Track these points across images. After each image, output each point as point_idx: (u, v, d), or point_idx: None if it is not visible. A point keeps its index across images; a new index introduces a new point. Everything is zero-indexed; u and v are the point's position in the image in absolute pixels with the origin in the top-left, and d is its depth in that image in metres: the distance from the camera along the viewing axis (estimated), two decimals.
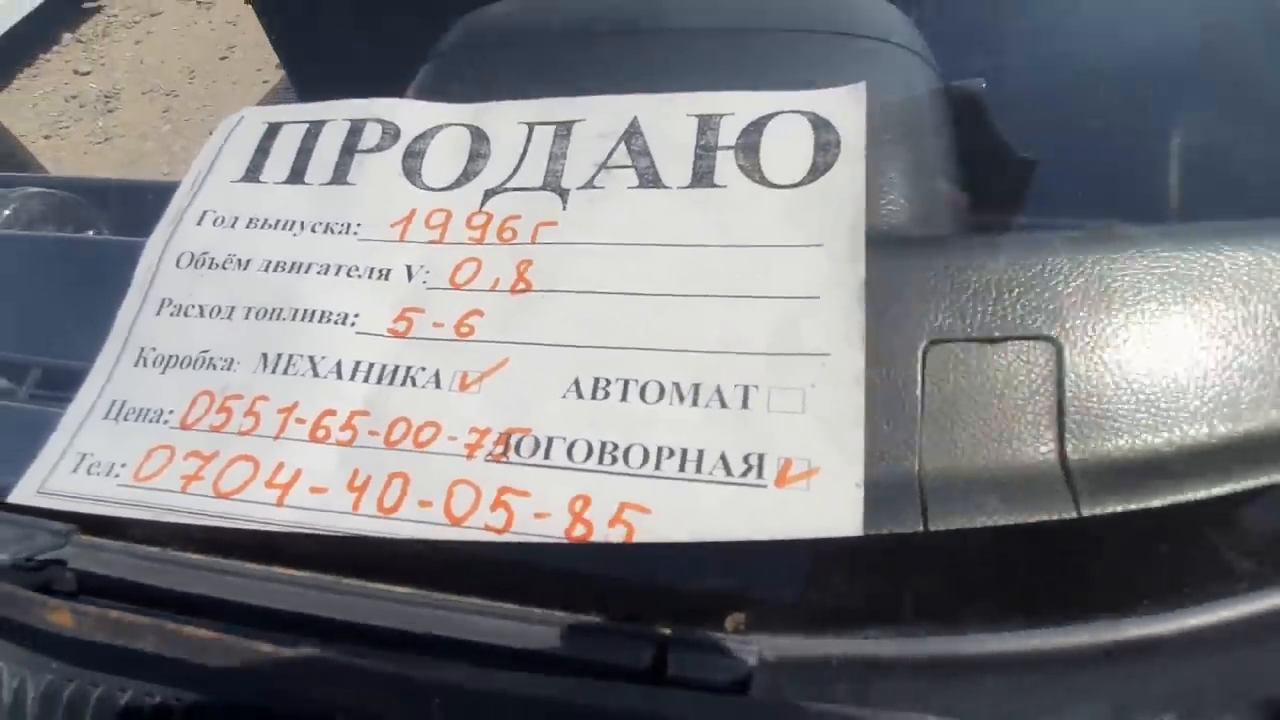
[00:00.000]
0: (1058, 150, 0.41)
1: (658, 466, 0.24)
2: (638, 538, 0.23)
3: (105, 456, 0.28)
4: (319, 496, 0.26)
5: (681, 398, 0.25)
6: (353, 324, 0.29)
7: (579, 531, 0.23)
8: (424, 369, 0.28)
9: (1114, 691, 0.21)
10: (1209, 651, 0.21)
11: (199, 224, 0.34)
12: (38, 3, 2.89)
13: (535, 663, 0.20)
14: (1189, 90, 0.41)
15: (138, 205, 0.37)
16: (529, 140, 0.32)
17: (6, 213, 0.46)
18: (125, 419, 0.29)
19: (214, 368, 0.29)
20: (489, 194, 0.32)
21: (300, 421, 0.27)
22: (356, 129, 0.35)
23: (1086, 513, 0.22)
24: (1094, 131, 0.44)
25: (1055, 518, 0.21)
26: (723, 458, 0.24)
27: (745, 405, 0.25)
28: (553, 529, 0.24)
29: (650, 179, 0.30)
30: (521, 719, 0.19)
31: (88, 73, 2.99)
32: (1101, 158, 0.43)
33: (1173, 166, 0.40)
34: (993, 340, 0.25)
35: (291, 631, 0.21)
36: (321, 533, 0.24)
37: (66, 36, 3.14)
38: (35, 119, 2.68)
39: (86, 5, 3.25)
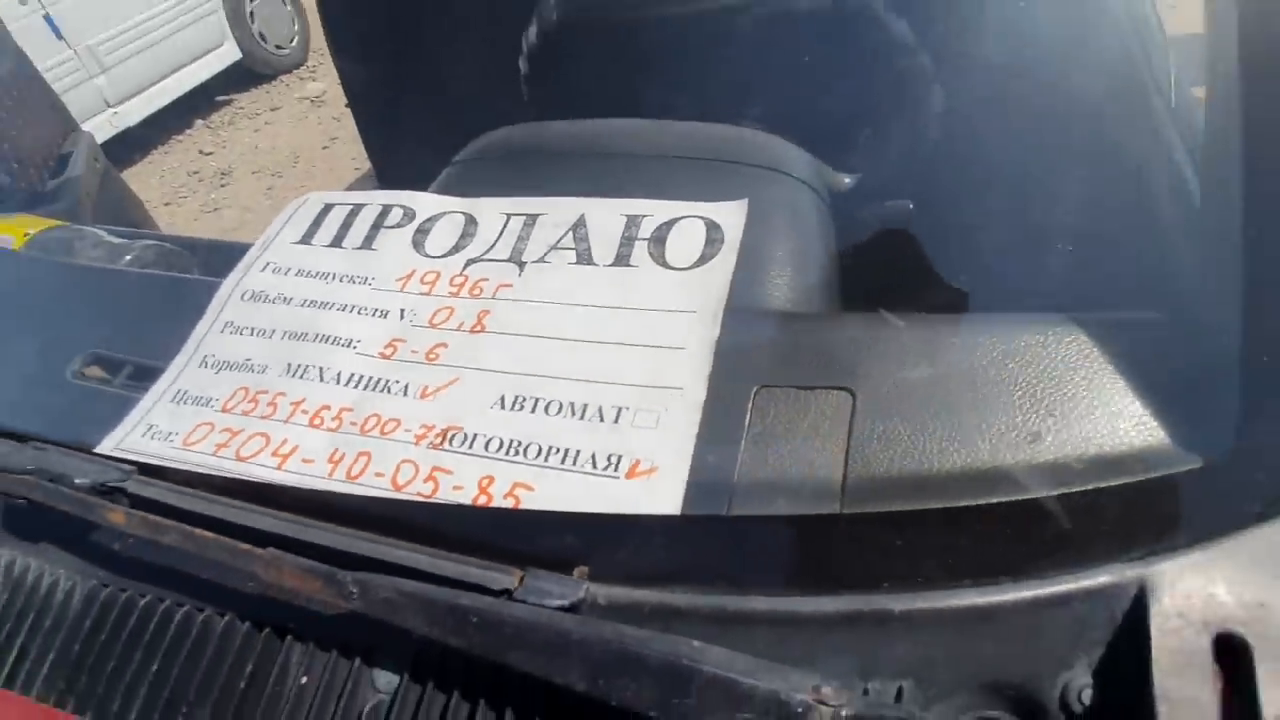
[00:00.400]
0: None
1: (546, 459, 0.33)
2: (523, 505, 0.31)
3: (165, 428, 0.39)
4: (307, 465, 0.35)
5: (573, 413, 0.34)
6: (354, 347, 0.40)
7: (481, 500, 0.32)
8: (398, 381, 0.38)
9: (858, 652, 0.27)
10: (935, 631, 0.27)
11: (261, 271, 0.46)
12: (180, 94, 3.38)
13: (434, 580, 0.28)
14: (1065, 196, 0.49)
15: (224, 256, 0.49)
16: (505, 226, 0.43)
17: (128, 258, 0.60)
18: (184, 404, 0.40)
19: (252, 371, 0.40)
20: (470, 262, 0.42)
21: (304, 412, 0.37)
22: (385, 211, 0.47)
23: (847, 512, 0.29)
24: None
25: (821, 513, 0.29)
26: (592, 456, 0.32)
27: (616, 421, 0.33)
28: (464, 498, 0.32)
29: (585, 258, 0.40)
30: (420, 611, 0.27)
31: (210, 153, 3.42)
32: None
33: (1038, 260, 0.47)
34: (807, 388, 0.33)
35: (271, 545, 0.30)
36: (303, 488, 0.34)
37: (198, 122, 3.62)
38: (160, 188, 3.08)
39: (219, 98, 3.76)
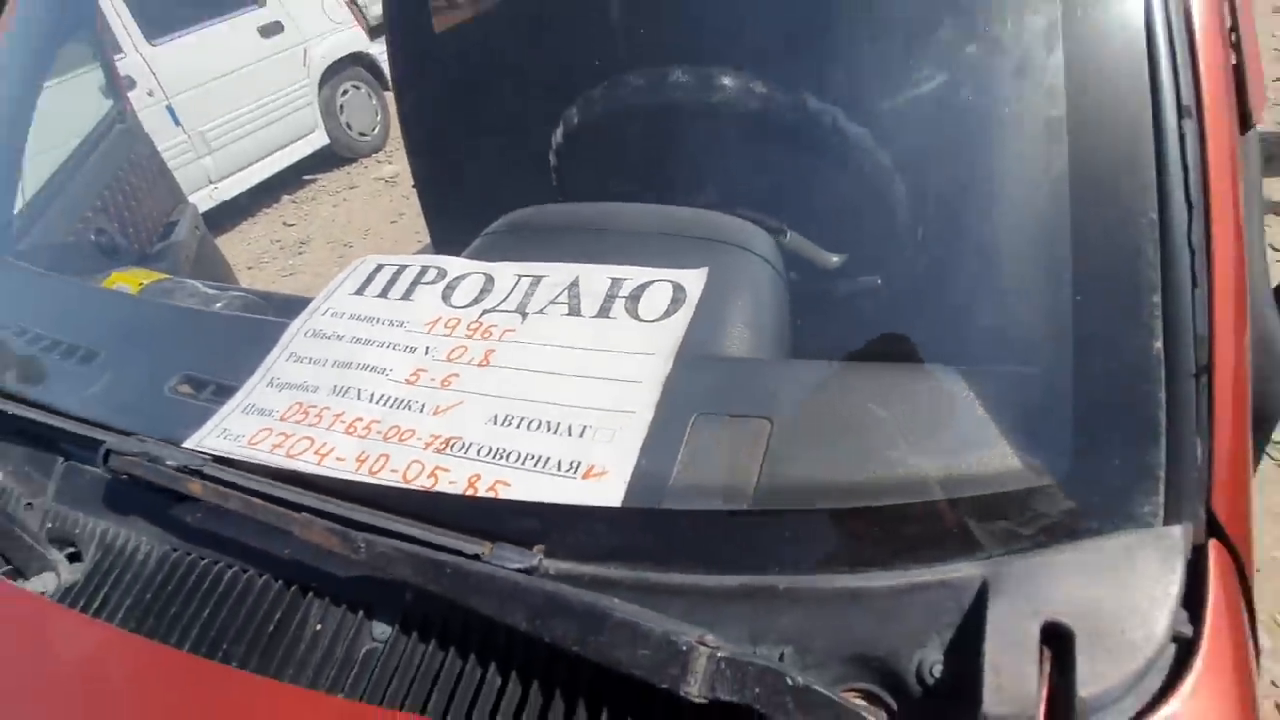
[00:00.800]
0: None
1: (522, 463, 0.41)
2: (501, 496, 0.40)
3: (236, 431, 0.49)
4: (339, 462, 0.44)
5: (549, 430, 0.43)
6: (386, 374, 0.50)
7: (469, 491, 0.40)
8: (417, 402, 0.47)
9: (750, 621, 0.34)
10: (813, 607, 0.34)
11: (323, 315, 0.57)
12: (273, 173, 3.77)
13: (423, 544, 0.36)
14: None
15: (294, 306, 0.60)
16: (515, 285, 0.54)
17: (218, 305, 0.74)
18: (251, 414, 0.50)
19: (306, 390, 0.50)
20: (484, 311, 0.52)
21: (342, 423, 0.47)
22: (423, 271, 0.58)
23: (753, 508, 0.36)
24: None
25: (732, 509, 0.36)
26: (559, 462, 0.40)
27: (581, 436, 0.42)
28: (456, 489, 0.41)
29: (575, 311, 0.50)
30: (409, 564, 0.35)
31: (292, 224, 3.76)
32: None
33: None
34: (735, 416, 0.41)
35: (307, 511, 0.38)
36: (334, 478, 0.43)
37: (285, 197, 4.00)
38: (245, 254, 3.40)
39: (306, 177, 4.15)
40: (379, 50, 4.02)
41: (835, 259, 0.77)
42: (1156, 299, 0.34)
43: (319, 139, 3.95)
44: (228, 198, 3.56)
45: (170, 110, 3.19)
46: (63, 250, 1.04)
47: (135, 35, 3.10)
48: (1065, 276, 0.37)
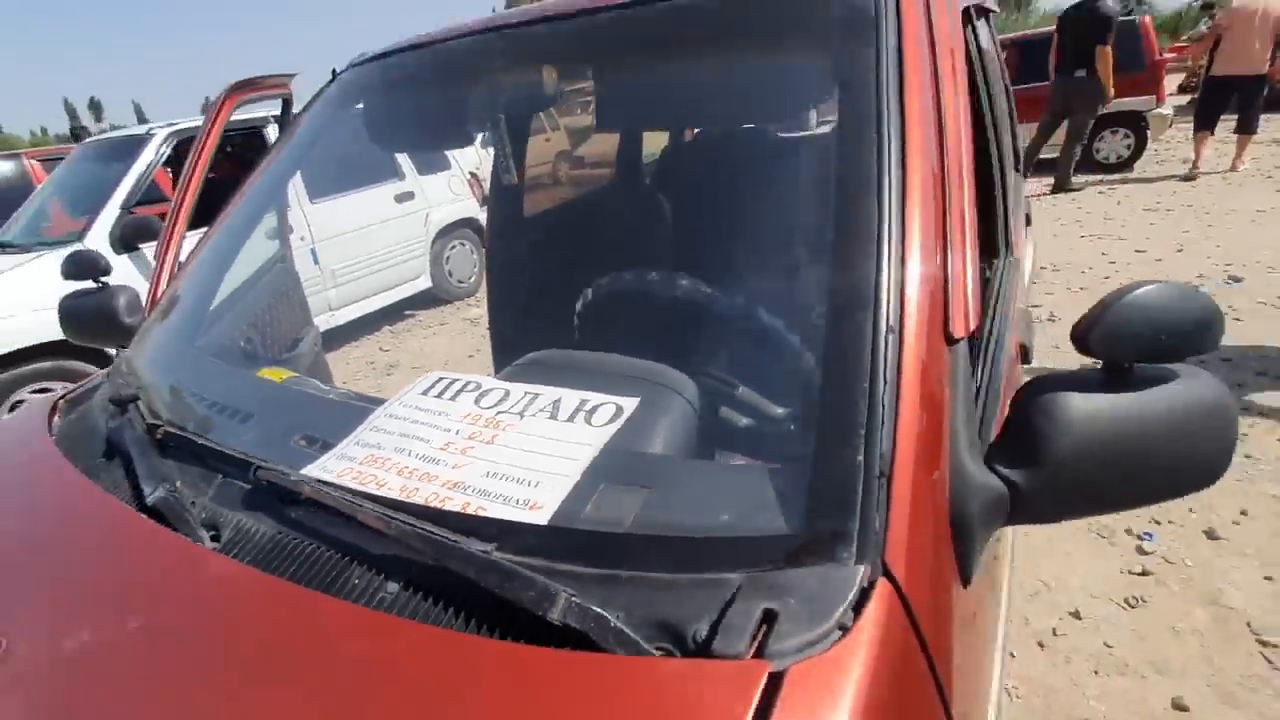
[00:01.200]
0: None
1: (495, 499, 0.67)
2: (479, 515, 0.65)
3: (331, 468, 0.77)
4: (384, 489, 0.71)
5: (515, 482, 0.68)
6: (429, 443, 0.77)
7: (461, 510, 0.66)
8: (443, 461, 0.74)
9: (602, 594, 0.56)
10: (639, 589, 0.56)
11: (397, 404, 0.86)
12: (381, 307, 4.40)
13: (426, 534, 0.61)
14: None
15: (379, 401, 0.91)
16: (521, 397, 0.82)
17: (331, 396, 1.06)
18: (341, 460, 0.78)
19: (377, 449, 0.78)
20: (499, 413, 0.81)
21: (395, 468, 0.74)
22: (467, 383, 0.87)
23: (620, 532, 0.60)
24: None
25: (613, 531, 0.60)
26: (516, 499, 0.66)
27: (534, 486, 0.67)
28: (453, 509, 0.66)
29: (553, 416, 0.77)
30: (415, 539, 0.60)
31: (387, 350, 4.30)
32: None
33: None
34: (629, 484, 0.65)
35: (366, 512, 0.65)
36: (383, 497, 0.69)
37: (385, 327, 4.60)
38: (343, 371, 3.91)
39: (407, 312, 4.78)
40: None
41: (780, 411, 1.02)
42: (861, 434, 0.58)
43: (424, 283, 4.64)
44: (341, 323, 4.18)
45: (313, 252, 3.91)
46: (224, 348, 1.42)
47: (303, 195, 3.91)
48: (816, 422, 0.61)
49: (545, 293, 1.37)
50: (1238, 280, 3.92)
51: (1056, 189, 6.37)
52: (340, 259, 4.09)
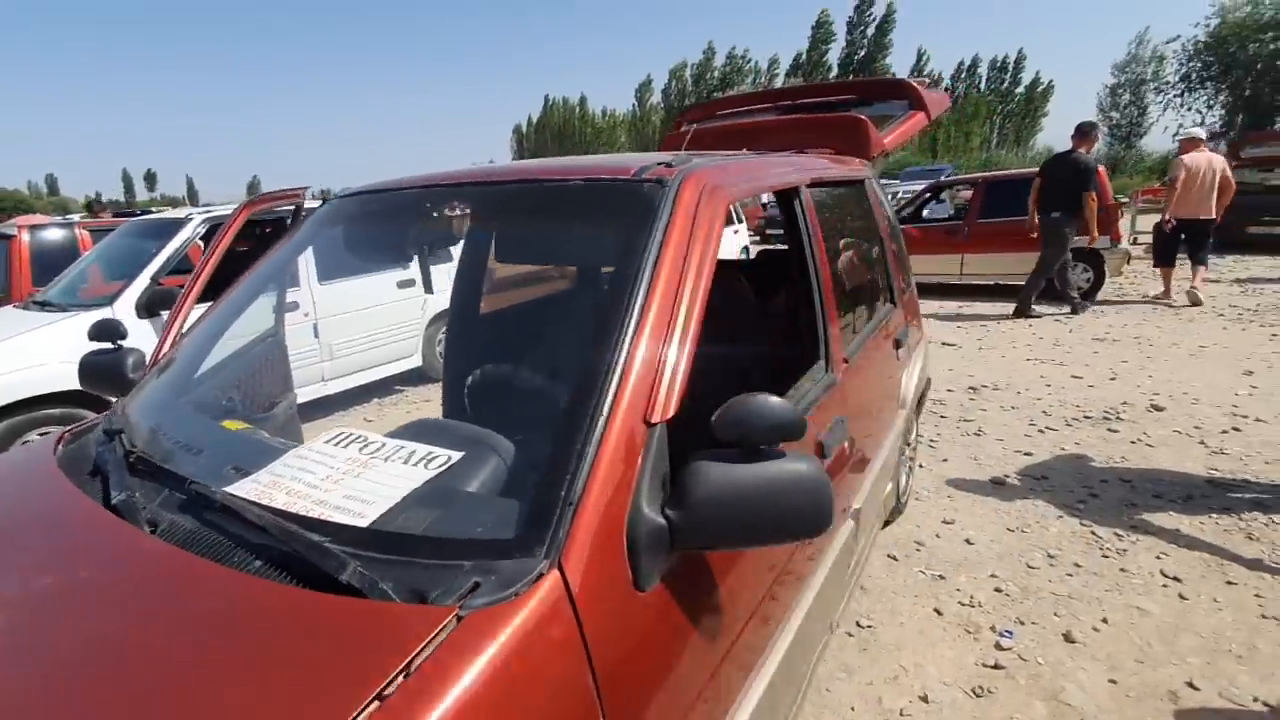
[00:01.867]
0: None
1: (339, 511, 0.98)
2: (327, 520, 0.97)
3: (244, 487, 1.09)
4: (272, 498, 1.03)
5: (359, 500, 1.00)
6: (313, 474, 1.10)
7: (317, 515, 0.98)
8: (319, 487, 1.06)
9: (383, 568, 0.87)
10: (407, 570, 0.87)
11: (306, 448, 1.19)
12: (371, 380, 4.78)
13: (289, 519, 0.93)
14: None
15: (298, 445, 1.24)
16: (395, 449, 1.15)
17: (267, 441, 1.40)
18: (253, 482, 1.11)
19: (280, 476, 1.11)
20: (371, 456, 1.13)
21: (284, 488, 1.07)
22: (358, 437, 1.21)
23: (398, 531, 0.91)
24: None
25: (396, 531, 0.91)
26: (353, 511, 0.98)
27: (368, 503, 0.99)
28: (314, 514, 0.98)
29: (405, 461, 1.10)
30: (276, 530, 0.91)
31: (371, 421, 4.62)
32: None
33: None
34: (427, 506, 0.97)
35: (254, 512, 0.97)
36: (266, 505, 1.02)
37: (374, 400, 4.96)
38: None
39: (396, 387, 5.14)
40: None
41: (537, 457, 1.34)
42: (566, 479, 0.90)
43: (414, 361, 5.05)
44: (332, 392, 4.55)
45: (315, 328, 4.35)
46: (205, 403, 1.77)
47: (312, 277, 4.40)
48: (543, 467, 0.93)
49: (460, 374, 1.74)
50: (1159, 409, 4.21)
51: (1017, 314, 6.81)
52: (339, 335, 4.53)
